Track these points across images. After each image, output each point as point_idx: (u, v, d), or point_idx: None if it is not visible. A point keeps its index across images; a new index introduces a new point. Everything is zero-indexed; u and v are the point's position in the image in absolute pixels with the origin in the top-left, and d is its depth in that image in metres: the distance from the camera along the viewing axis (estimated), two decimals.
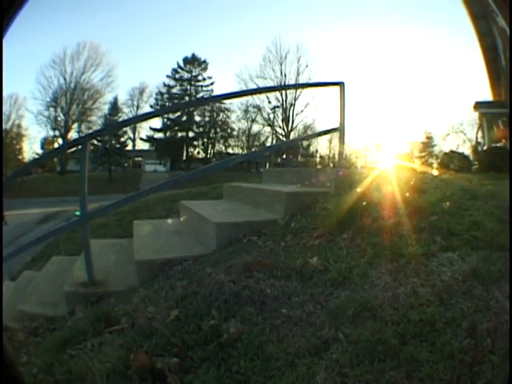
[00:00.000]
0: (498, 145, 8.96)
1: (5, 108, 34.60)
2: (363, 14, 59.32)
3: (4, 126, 34.08)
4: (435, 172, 5.94)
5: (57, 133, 40.76)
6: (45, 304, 2.92)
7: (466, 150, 21.27)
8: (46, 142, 40.84)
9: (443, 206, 2.57)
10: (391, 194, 2.76)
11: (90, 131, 33.13)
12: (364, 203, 2.68)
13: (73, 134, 40.19)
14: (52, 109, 40.32)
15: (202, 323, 1.67)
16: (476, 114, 14.03)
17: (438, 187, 3.11)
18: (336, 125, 4.01)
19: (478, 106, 12.71)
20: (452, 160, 7.94)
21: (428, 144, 37.02)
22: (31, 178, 32.19)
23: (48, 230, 4.11)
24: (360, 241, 2.24)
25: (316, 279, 1.92)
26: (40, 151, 40.45)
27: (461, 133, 32.34)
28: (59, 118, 40.55)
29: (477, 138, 14.84)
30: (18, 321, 2.75)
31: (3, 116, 32.89)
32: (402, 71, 63.80)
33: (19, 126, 39.72)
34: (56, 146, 39.53)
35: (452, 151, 14.33)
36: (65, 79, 40.15)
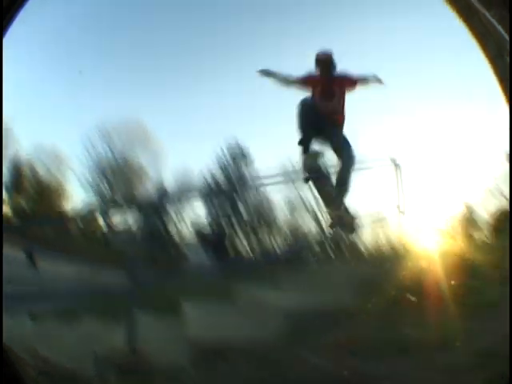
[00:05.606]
0: None
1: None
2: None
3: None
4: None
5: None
6: (70, 357, 2.74)
7: None
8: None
9: None
10: None
11: None
12: None
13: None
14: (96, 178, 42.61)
15: None
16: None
17: None
18: None
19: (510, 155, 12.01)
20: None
21: (469, 215, 35.50)
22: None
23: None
24: None
25: None
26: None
27: (500, 195, 30.61)
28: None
29: None
30: (32, 357, 2.59)
31: None
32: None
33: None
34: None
35: None
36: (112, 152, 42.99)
